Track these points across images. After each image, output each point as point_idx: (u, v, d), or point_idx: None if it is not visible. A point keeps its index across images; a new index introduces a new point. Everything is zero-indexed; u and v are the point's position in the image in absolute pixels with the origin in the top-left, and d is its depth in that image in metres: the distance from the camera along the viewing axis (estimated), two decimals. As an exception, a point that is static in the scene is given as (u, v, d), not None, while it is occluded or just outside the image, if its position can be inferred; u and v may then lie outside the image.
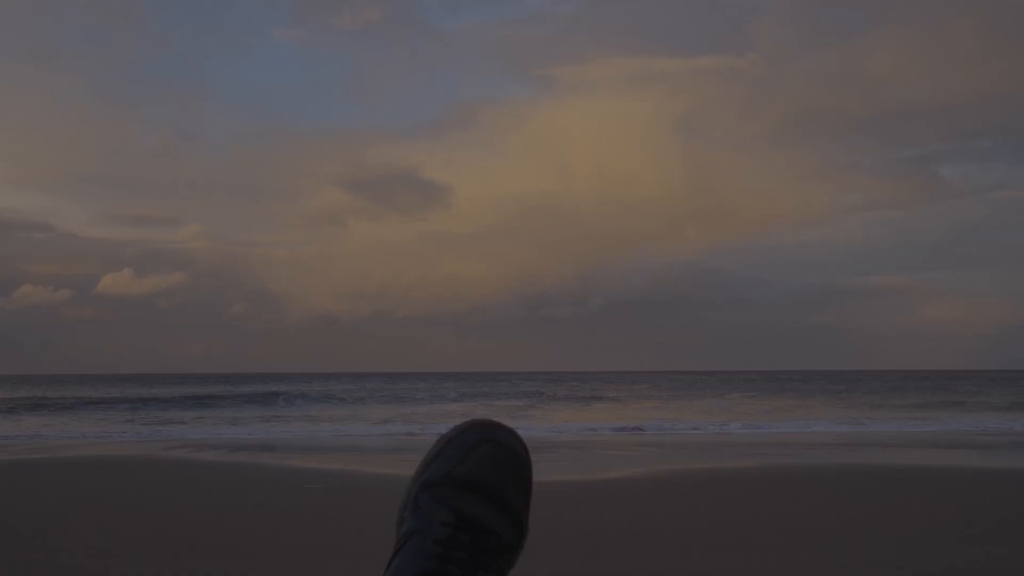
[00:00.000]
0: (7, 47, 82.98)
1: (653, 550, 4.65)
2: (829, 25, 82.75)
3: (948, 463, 9.69)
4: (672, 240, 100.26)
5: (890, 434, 14.84)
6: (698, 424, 18.02)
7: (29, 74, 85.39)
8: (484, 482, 0.90)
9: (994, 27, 74.24)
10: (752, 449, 12.07)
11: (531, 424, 18.07)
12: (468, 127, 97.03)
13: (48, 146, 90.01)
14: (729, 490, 7.12)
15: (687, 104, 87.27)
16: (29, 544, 4.73)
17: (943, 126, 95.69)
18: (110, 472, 8.63)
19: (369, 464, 9.43)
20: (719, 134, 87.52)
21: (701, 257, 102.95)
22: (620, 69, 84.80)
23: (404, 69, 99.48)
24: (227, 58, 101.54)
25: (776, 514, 5.84)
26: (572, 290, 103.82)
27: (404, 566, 0.85)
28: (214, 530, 5.18)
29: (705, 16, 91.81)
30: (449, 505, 0.89)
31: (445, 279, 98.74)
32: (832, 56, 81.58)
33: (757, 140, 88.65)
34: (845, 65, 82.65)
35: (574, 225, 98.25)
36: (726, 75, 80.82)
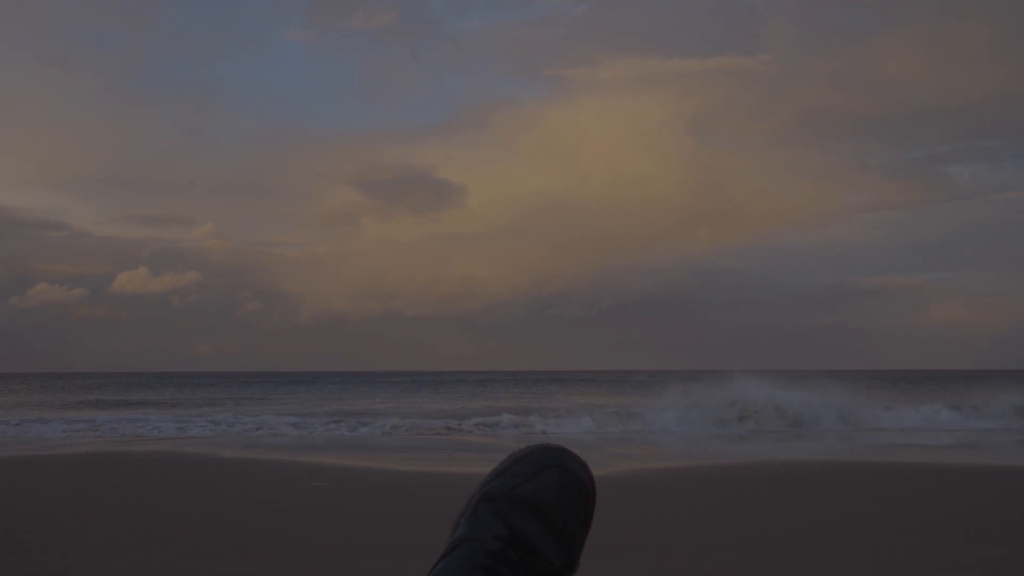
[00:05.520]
0: (22, 48, 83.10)
1: (654, 550, 4.68)
2: (838, 27, 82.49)
3: (952, 462, 9.70)
4: (683, 240, 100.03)
5: (894, 432, 14.83)
6: (699, 422, 18.01)
7: (44, 75, 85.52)
8: (545, 506, 0.90)
9: (1003, 29, 73.98)
10: (754, 448, 12.10)
11: (530, 424, 18.06)
12: (481, 128, 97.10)
13: (63, 146, 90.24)
14: (731, 489, 7.14)
15: (698, 105, 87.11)
16: (36, 544, 4.76)
17: (951, 127, 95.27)
18: (115, 470, 8.66)
19: (377, 461, 9.46)
20: (730, 134, 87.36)
21: (712, 257, 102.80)
22: (632, 70, 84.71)
23: (417, 70, 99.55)
24: (240, 59, 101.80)
25: (779, 513, 5.87)
26: (583, 290, 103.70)
27: (448, 570, 0.86)
28: (221, 528, 5.21)
29: (716, 17, 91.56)
30: (506, 521, 0.89)
31: (457, 279, 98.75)
32: (842, 57, 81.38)
33: (767, 140, 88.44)
34: (854, 66, 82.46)
35: (586, 225, 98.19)
36: (737, 76, 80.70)
